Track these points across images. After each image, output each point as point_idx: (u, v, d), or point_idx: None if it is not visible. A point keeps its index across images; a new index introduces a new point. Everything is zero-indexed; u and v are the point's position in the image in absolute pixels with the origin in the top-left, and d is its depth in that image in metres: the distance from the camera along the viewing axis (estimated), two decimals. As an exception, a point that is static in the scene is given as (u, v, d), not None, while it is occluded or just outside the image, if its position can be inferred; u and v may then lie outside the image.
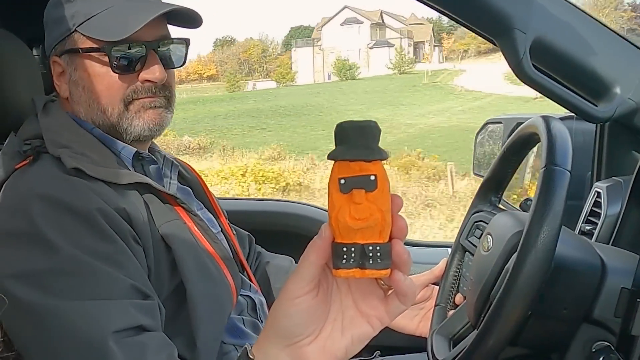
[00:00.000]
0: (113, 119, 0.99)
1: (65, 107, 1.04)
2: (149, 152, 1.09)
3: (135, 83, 0.99)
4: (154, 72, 0.99)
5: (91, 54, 0.98)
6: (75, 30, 0.98)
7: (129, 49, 0.97)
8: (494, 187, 1.12)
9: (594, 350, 0.86)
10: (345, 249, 0.55)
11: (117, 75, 0.97)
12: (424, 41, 59.59)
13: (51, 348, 0.80)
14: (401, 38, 57.21)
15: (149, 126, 1.01)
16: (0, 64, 1.10)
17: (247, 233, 1.34)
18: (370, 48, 56.61)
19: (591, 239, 1.09)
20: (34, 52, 1.47)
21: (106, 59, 0.97)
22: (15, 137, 1.00)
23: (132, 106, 0.99)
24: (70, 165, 0.91)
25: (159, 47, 1.00)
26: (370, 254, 0.54)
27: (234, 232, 1.22)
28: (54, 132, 0.97)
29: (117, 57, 0.97)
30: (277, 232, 1.77)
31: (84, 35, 0.98)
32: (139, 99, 0.99)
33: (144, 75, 0.99)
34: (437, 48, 58.11)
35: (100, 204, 0.88)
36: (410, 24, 61.12)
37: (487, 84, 34.58)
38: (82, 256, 0.83)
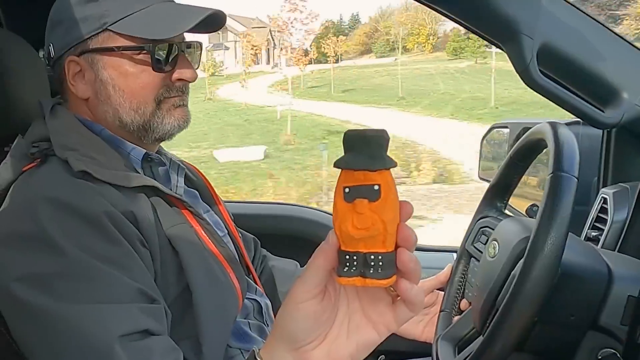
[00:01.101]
0: (145, 118, 1.00)
1: (77, 109, 1.03)
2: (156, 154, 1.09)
3: (167, 82, 1.00)
4: (187, 72, 1.01)
5: (125, 52, 0.98)
6: (107, 29, 0.97)
7: (169, 48, 0.99)
8: (500, 192, 1.12)
9: (599, 357, 0.86)
10: (347, 256, 0.55)
11: (153, 74, 0.98)
12: (259, 45, 59.70)
13: (57, 351, 0.79)
14: (236, 41, 57.44)
15: (178, 123, 1.03)
16: (7, 66, 1.09)
17: (253, 236, 1.34)
18: (209, 51, 57.01)
19: (597, 245, 1.08)
20: (40, 54, 1.47)
21: (144, 57, 0.98)
22: (23, 139, 1.00)
23: (164, 105, 1.01)
24: (78, 168, 0.91)
25: (186, 49, 1.03)
26: (372, 263, 0.54)
27: (240, 235, 1.22)
28: (61, 134, 0.97)
29: (157, 56, 0.98)
30: (282, 236, 1.77)
31: (118, 34, 0.97)
32: (171, 97, 1.01)
33: (177, 75, 1.00)
34: (281, 52, 57.98)
35: (107, 207, 0.88)
36: (252, 27, 61.10)
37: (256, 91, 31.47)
38: (88, 259, 0.82)
